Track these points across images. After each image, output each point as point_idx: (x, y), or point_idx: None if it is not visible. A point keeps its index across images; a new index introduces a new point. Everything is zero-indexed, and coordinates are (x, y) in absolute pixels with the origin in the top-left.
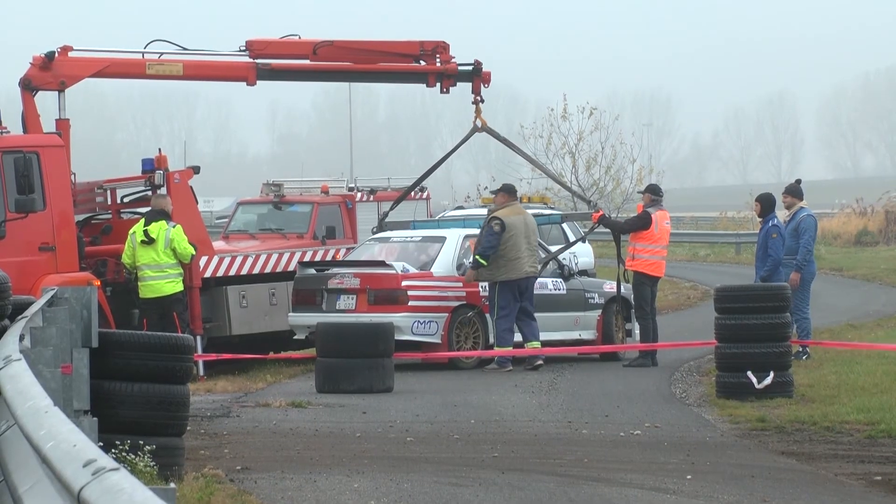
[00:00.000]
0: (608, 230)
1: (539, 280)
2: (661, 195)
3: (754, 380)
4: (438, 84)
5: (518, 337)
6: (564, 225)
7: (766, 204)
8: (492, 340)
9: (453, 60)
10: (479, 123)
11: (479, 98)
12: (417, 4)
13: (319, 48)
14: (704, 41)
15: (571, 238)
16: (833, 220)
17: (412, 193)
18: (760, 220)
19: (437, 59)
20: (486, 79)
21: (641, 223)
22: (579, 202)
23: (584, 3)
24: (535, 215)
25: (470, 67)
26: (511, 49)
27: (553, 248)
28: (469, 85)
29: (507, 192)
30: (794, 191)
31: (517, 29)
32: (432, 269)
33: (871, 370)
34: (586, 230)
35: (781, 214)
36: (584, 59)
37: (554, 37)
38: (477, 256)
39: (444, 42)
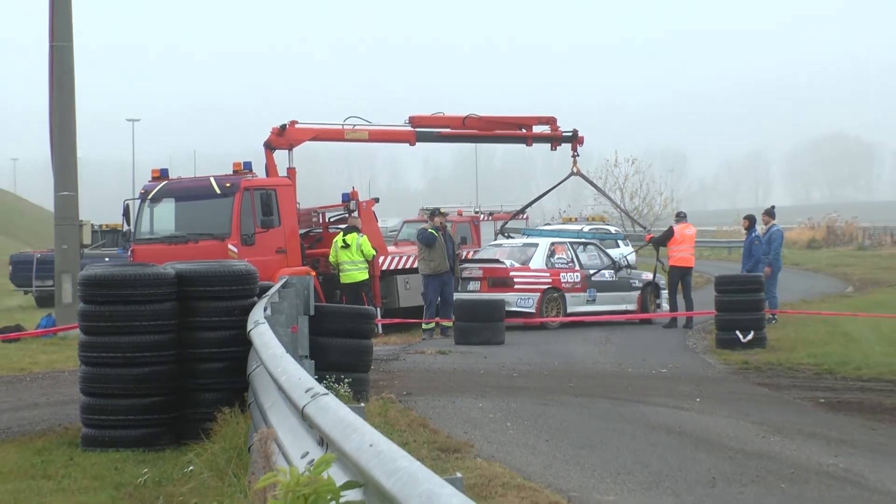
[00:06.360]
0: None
1: (601, 271)
2: (683, 215)
3: (740, 336)
4: (549, 144)
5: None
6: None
7: (752, 221)
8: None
9: (559, 129)
10: (574, 171)
11: (575, 154)
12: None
13: (468, 119)
14: (710, 99)
15: (621, 246)
16: (792, 231)
17: (518, 215)
18: (745, 231)
19: (548, 127)
20: (580, 141)
21: (667, 235)
22: (627, 222)
23: (617, 90)
24: (603, 232)
25: (570, 133)
26: (577, 109)
27: (612, 253)
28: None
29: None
30: (770, 213)
31: (582, 95)
32: (530, 264)
33: (818, 330)
34: (637, 245)
35: (759, 228)
36: (630, 119)
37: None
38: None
39: (553, 116)
